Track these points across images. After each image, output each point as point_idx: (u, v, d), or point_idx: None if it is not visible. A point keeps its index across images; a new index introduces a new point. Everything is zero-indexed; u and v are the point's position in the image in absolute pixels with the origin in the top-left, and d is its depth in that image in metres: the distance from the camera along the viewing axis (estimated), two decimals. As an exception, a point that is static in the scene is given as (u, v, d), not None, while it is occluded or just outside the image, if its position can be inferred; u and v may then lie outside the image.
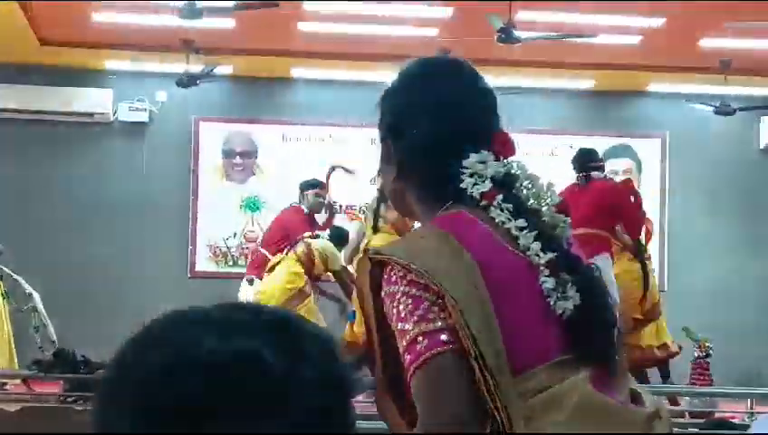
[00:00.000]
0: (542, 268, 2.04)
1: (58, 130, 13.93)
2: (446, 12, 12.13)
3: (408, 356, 1.95)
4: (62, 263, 13.50)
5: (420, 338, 1.94)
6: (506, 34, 11.22)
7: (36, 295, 10.86)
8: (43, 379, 9.25)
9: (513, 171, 2.15)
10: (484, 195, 2.10)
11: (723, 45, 12.86)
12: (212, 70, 12.91)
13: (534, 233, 2.06)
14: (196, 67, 12.94)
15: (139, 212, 13.97)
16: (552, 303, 2.02)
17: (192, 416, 0.97)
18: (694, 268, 12.42)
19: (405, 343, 1.96)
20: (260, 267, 10.22)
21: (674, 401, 9.82)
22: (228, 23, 12.37)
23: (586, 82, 14.55)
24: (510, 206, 2.09)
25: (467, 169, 2.12)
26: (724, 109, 13.56)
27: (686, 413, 9.50)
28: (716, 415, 9.06)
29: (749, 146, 14.83)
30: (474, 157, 2.12)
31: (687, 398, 9.64)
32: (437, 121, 2.17)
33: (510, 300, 1.99)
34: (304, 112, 14.38)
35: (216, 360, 0.99)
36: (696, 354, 9.75)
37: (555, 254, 2.05)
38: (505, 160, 2.16)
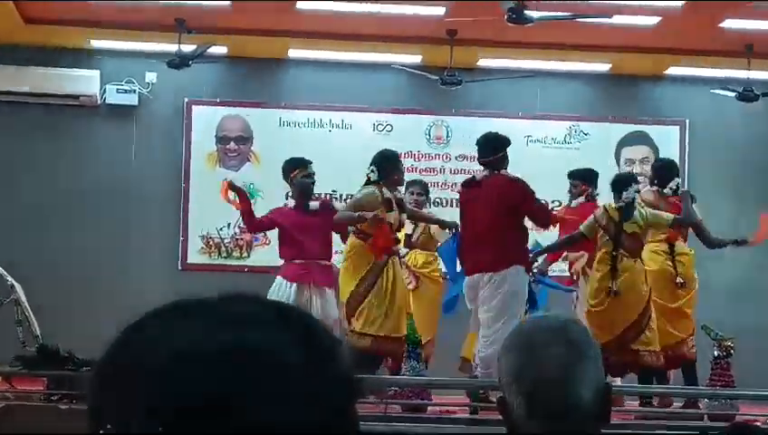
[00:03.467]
0: None
1: (42, 113, 13.91)
2: (454, -10, 12.08)
3: None
4: (46, 253, 13.49)
5: None
6: (517, 14, 11.18)
7: (19, 287, 10.78)
8: (26, 376, 9.25)
9: None
10: None
11: (746, 27, 12.84)
12: (205, 50, 12.88)
13: None
14: (188, 47, 12.91)
15: (127, 200, 13.96)
16: None
17: (204, 410, 0.98)
18: (714, 263, 12.40)
19: None
20: None
21: (693, 404, 9.82)
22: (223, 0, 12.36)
23: (601, 66, 14.52)
24: None
25: None
26: (747, 94, 13.53)
27: (706, 416, 9.52)
28: (738, 418, 9.07)
29: (774, 134, 14.79)
30: None
31: (707, 400, 9.64)
32: None
33: None
34: (302, 96, 14.36)
35: (232, 353, 1.01)
36: (716, 353, 9.72)
37: None
38: None
